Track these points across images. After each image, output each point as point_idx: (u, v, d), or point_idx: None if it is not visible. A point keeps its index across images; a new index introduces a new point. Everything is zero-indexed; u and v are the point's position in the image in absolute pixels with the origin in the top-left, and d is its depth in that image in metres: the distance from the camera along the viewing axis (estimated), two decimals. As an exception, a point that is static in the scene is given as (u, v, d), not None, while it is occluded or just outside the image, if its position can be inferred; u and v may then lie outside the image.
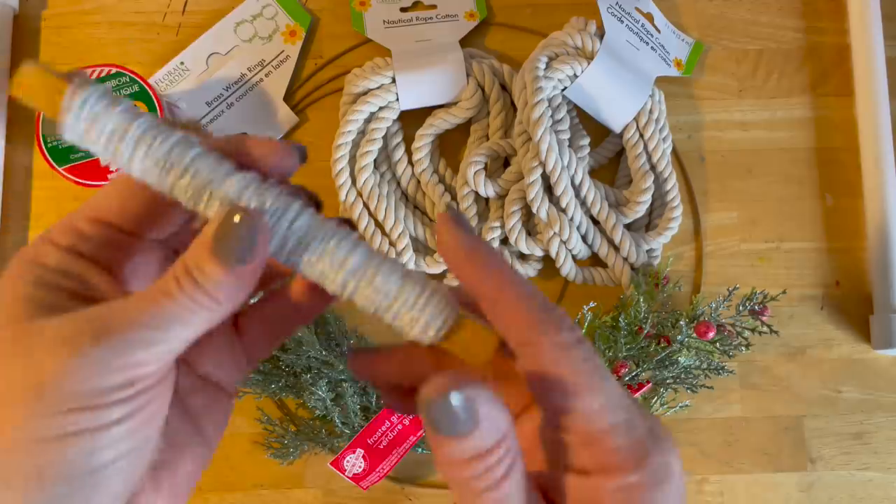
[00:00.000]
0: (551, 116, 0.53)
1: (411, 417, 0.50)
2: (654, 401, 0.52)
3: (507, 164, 0.56)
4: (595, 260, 0.56)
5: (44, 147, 0.51)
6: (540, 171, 0.53)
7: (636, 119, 0.55)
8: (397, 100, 0.55)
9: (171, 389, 0.24)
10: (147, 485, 0.24)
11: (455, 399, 0.20)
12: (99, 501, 0.22)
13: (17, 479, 0.21)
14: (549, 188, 0.54)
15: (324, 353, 0.51)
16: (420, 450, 0.53)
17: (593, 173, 0.57)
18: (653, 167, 0.55)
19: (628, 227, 0.56)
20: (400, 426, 0.50)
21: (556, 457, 0.23)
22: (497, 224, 0.54)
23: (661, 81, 0.57)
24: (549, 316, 0.22)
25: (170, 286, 0.22)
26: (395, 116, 0.55)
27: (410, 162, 0.56)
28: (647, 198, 0.54)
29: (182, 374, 0.25)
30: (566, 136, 0.54)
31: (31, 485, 0.21)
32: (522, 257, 0.55)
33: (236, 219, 0.22)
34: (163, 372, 0.22)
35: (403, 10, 0.59)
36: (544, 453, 0.23)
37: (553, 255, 0.54)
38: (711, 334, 0.50)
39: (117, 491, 0.23)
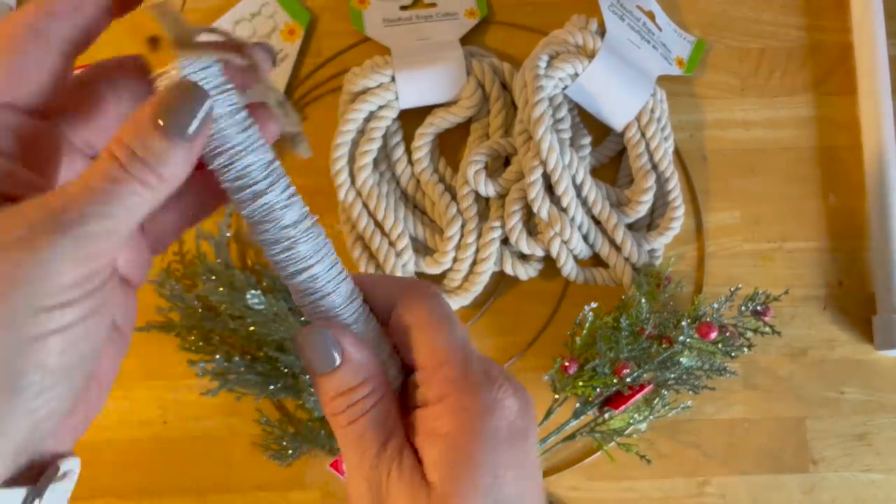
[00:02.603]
0: (552, 115, 0.53)
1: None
2: (655, 402, 0.52)
3: (507, 163, 0.56)
4: (596, 260, 0.56)
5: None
6: (541, 170, 0.52)
7: (637, 118, 0.54)
8: (397, 98, 0.54)
9: (115, 291, 0.24)
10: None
11: (322, 337, 0.24)
12: (64, 395, 0.22)
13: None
14: (549, 187, 0.53)
15: (323, 353, 0.50)
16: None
17: (594, 172, 0.57)
18: (654, 166, 0.55)
19: (630, 226, 0.56)
20: (399, 427, 0.50)
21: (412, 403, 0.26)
22: (497, 224, 0.54)
23: (662, 80, 0.56)
24: (412, 283, 0.27)
25: (113, 170, 0.21)
26: (394, 115, 0.55)
27: (410, 161, 0.56)
28: (648, 197, 0.54)
29: None
30: (567, 135, 0.54)
31: (7, 396, 0.21)
32: (523, 257, 0.55)
33: (181, 93, 0.22)
34: (114, 263, 0.23)
35: (403, 8, 0.58)
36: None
37: (554, 255, 0.53)
38: (713, 335, 0.50)
39: (78, 387, 0.23)
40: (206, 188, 0.27)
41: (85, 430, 0.27)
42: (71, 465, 0.25)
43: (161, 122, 0.21)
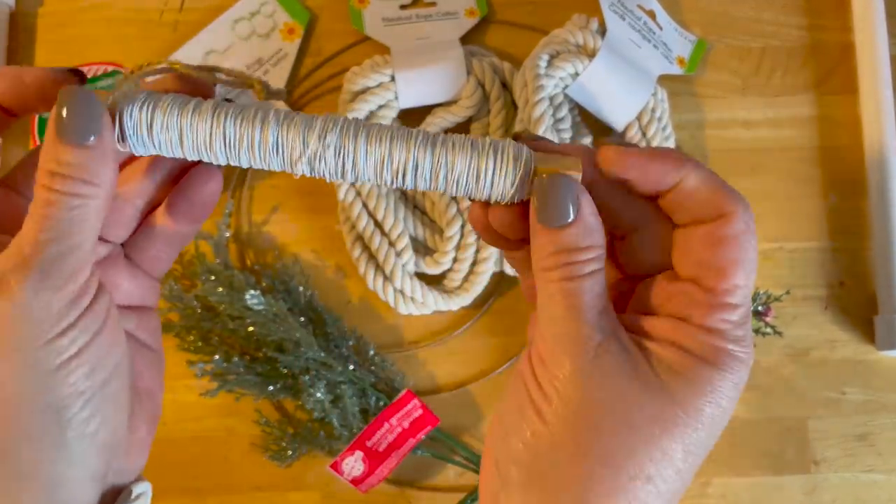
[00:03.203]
0: (553, 115, 0.53)
1: (411, 420, 0.50)
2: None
3: (507, 163, 0.56)
4: (596, 260, 0.55)
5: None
6: (541, 170, 0.52)
7: (638, 117, 0.54)
8: (396, 98, 0.54)
9: (114, 305, 0.25)
10: (133, 398, 0.27)
11: (567, 186, 0.24)
12: (117, 412, 0.25)
13: (36, 426, 0.23)
14: (550, 187, 0.53)
15: (322, 354, 0.50)
16: (420, 452, 0.52)
17: (595, 172, 0.57)
18: (655, 166, 0.54)
19: (630, 226, 0.55)
20: (399, 428, 0.50)
21: (664, 305, 0.25)
22: (497, 224, 0.53)
23: (663, 79, 0.56)
24: (733, 199, 0.26)
25: (46, 195, 0.23)
26: (394, 115, 0.55)
27: (410, 161, 0.56)
28: (649, 197, 0.54)
29: None
30: (568, 134, 0.54)
31: (54, 421, 0.23)
32: (523, 257, 0.55)
33: (67, 103, 0.23)
34: (95, 281, 0.24)
35: (403, 7, 0.58)
36: (646, 303, 0.26)
37: (554, 255, 0.53)
38: (714, 335, 0.50)
39: (125, 402, 0.25)
40: (183, 208, 0.28)
41: (150, 443, 0.29)
42: (143, 489, 0.27)
43: (61, 136, 0.23)
